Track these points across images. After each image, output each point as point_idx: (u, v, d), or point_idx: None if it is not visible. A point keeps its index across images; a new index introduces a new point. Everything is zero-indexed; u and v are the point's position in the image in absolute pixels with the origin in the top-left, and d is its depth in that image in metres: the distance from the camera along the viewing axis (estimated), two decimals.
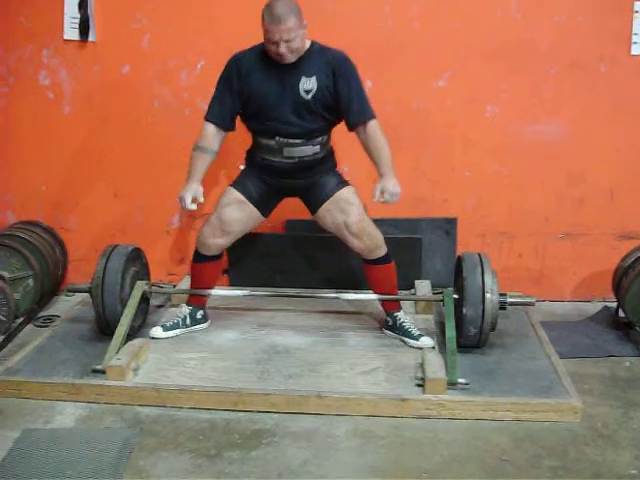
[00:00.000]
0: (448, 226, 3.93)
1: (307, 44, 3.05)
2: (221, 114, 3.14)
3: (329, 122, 3.15)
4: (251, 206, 3.23)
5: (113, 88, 3.94)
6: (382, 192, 3.05)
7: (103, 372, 2.86)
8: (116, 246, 3.33)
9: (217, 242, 3.25)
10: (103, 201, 4.08)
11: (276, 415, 2.73)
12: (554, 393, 2.76)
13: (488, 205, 3.94)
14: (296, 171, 3.18)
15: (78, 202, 4.11)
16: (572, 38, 3.75)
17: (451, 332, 2.99)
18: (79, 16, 3.84)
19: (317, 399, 2.73)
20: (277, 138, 3.11)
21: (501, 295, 3.09)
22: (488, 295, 3.02)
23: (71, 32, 3.89)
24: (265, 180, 3.23)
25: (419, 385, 2.79)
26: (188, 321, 3.37)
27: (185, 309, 3.39)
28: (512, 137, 3.87)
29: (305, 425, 2.67)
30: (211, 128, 3.15)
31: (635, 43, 3.74)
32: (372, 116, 3.09)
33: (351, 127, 3.11)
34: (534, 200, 3.91)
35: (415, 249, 3.85)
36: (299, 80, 3.03)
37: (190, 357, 3.10)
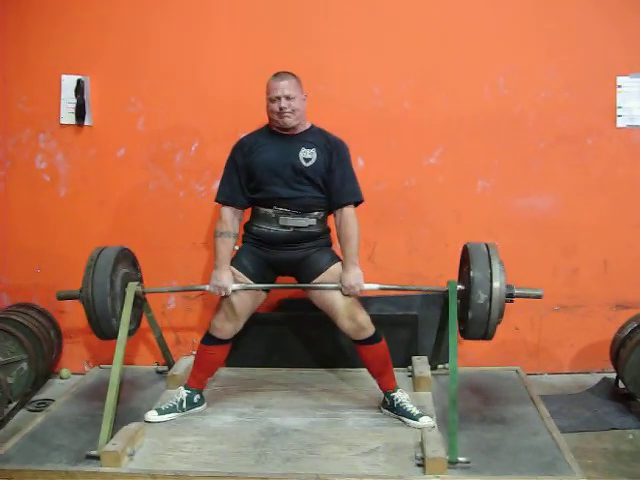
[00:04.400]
0: (444, 302, 3.91)
1: (307, 124, 3.26)
2: (233, 194, 3.23)
3: (324, 199, 3.22)
4: (249, 281, 3.24)
5: (108, 171, 4.00)
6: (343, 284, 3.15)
7: (98, 458, 2.81)
8: (105, 247, 3.35)
9: (228, 327, 3.26)
10: None
11: None
12: (557, 470, 2.71)
13: None
14: (290, 241, 3.22)
15: (73, 284, 4.09)
16: (559, 112, 3.84)
17: (453, 338, 2.98)
18: (75, 101, 3.92)
19: None
20: (275, 207, 3.18)
21: (508, 286, 3.06)
22: (495, 285, 2.98)
23: (68, 117, 3.97)
24: (259, 254, 3.26)
25: (419, 465, 2.74)
26: (184, 405, 3.31)
27: (183, 392, 3.34)
28: (504, 211, 3.91)
29: None
30: (227, 211, 3.23)
31: (620, 116, 3.83)
32: (352, 202, 3.21)
33: (333, 206, 3.22)
34: (528, 272, 3.90)
35: (411, 326, 3.84)
36: (299, 149, 3.18)
37: (187, 441, 3.04)
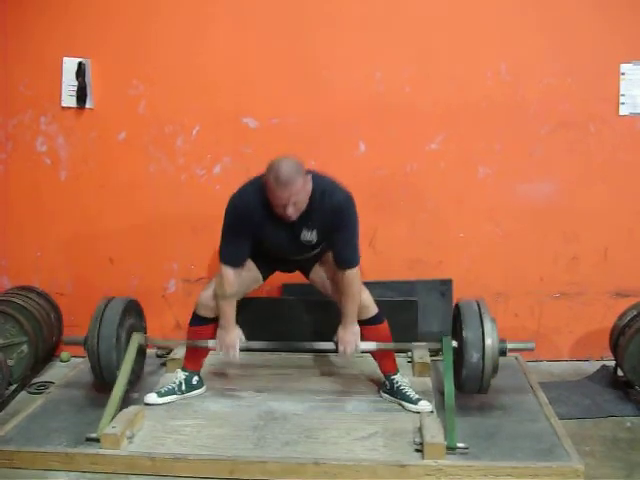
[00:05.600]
0: (444, 287, 3.93)
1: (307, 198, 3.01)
2: (238, 257, 3.14)
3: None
4: (251, 263, 3.23)
5: (109, 154, 3.99)
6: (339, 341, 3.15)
7: (97, 440, 2.82)
8: (112, 298, 3.30)
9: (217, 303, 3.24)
10: (99, 266, 4.08)
11: None
12: (555, 456, 2.72)
13: (483, 265, 3.95)
14: (296, 263, 3.31)
15: (73, 267, 4.11)
16: (561, 99, 3.82)
17: (450, 387, 2.96)
18: (77, 84, 3.91)
19: (314, 466, 2.69)
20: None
21: (501, 341, 3.06)
22: (488, 342, 2.99)
23: (69, 99, 3.96)
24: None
25: (418, 450, 2.75)
26: (184, 387, 3.33)
27: (180, 375, 3.36)
28: (505, 197, 3.91)
29: None
30: (232, 272, 3.13)
31: (623, 104, 3.81)
32: (354, 265, 3.11)
33: (337, 266, 3.14)
34: (528, 260, 3.92)
35: (411, 311, 3.84)
36: (300, 231, 3.08)
37: (186, 424, 3.05)
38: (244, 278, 3.22)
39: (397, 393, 3.24)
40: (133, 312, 3.39)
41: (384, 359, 3.32)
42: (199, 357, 3.41)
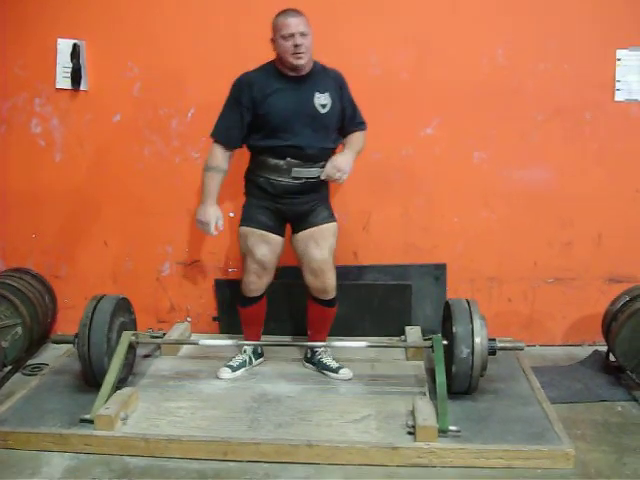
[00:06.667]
0: (438, 272, 3.94)
1: (311, 62, 3.19)
2: (230, 134, 3.19)
3: (336, 141, 3.27)
4: (271, 235, 3.26)
5: (104, 136, 3.98)
6: (330, 166, 3.16)
7: (91, 422, 2.84)
8: (103, 296, 3.28)
9: (263, 282, 3.34)
10: (93, 249, 4.08)
11: (266, 465, 2.70)
12: (546, 439, 2.74)
13: (477, 250, 3.95)
14: (299, 193, 3.23)
15: (68, 250, 4.11)
16: (558, 85, 3.81)
17: (441, 378, 2.98)
18: (71, 65, 3.88)
19: (307, 448, 2.71)
20: (287, 159, 3.15)
21: (490, 340, 3.09)
22: (477, 340, 3.01)
23: (63, 81, 3.93)
24: (268, 206, 3.26)
25: (410, 433, 2.77)
26: (253, 358, 3.49)
27: (248, 348, 3.47)
28: (500, 183, 3.90)
29: (295, 475, 2.64)
30: (220, 149, 3.19)
31: (618, 90, 3.81)
32: (366, 127, 3.36)
33: (347, 133, 3.31)
34: (523, 245, 3.93)
35: (405, 295, 3.85)
36: (313, 95, 3.13)
37: (180, 406, 3.07)
38: (274, 251, 3.27)
39: (318, 364, 3.42)
40: (122, 310, 3.36)
41: (318, 335, 3.47)
42: (257, 329, 3.51)
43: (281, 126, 3.12)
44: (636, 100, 3.81)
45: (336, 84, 3.24)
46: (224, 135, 3.19)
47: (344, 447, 2.70)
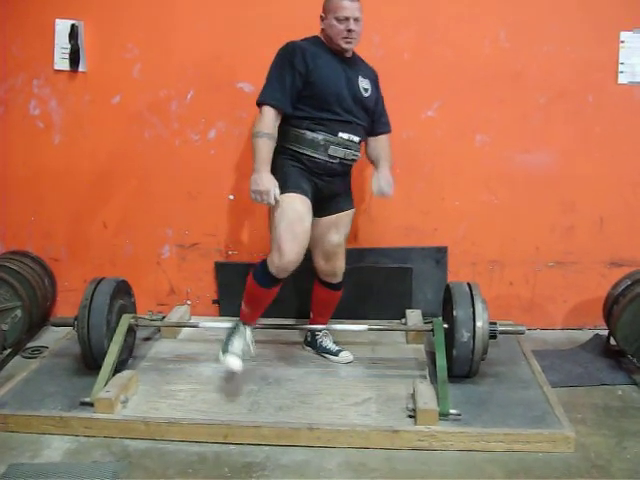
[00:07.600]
0: (439, 255, 3.93)
1: None
2: (284, 97, 2.96)
3: (365, 135, 3.22)
4: (311, 210, 3.05)
5: (103, 118, 3.94)
6: (379, 182, 3.12)
7: (91, 405, 2.84)
8: (102, 279, 3.28)
9: (299, 259, 2.96)
10: (93, 232, 4.06)
11: (267, 448, 2.70)
12: (547, 423, 2.75)
13: (479, 234, 3.94)
14: (334, 174, 3.10)
15: (67, 232, 4.09)
16: (560, 68, 3.78)
17: (442, 362, 2.98)
18: (70, 47, 3.85)
19: (308, 431, 2.71)
20: (325, 134, 3.01)
21: (491, 324, 3.09)
22: (478, 324, 3.01)
23: (62, 62, 3.90)
24: (310, 179, 3.07)
25: (411, 416, 2.77)
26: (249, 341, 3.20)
27: (248, 332, 3.14)
28: (502, 166, 3.88)
29: (296, 458, 2.64)
30: (272, 113, 2.96)
31: (622, 72, 3.78)
32: (390, 130, 3.37)
33: (373, 132, 3.28)
34: (524, 229, 3.92)
35: (406, 278, 3.84)
36: (357, 78, 3.11)
37: (180, 389, 3.07)
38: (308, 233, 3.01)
39: (319, 347, 3.43)
40: (122, 293, 3.36)
41: (321, 317, 3.47)
42: (260, 313, 3.18)
43: (329, 99, 3.01)
44: (639, 83, 3.78)
45: (374, 76, 3.24)
46: (278, 99, 2.97)
47: (345, 430, 2.71)
